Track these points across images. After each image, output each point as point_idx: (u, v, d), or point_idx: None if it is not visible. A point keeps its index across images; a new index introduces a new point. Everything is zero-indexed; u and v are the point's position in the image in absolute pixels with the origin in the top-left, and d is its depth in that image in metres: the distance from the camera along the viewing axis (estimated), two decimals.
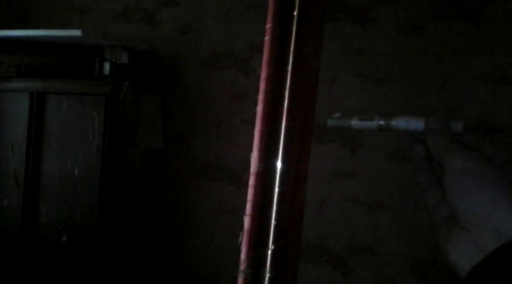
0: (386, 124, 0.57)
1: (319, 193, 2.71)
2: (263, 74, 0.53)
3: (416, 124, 0.56)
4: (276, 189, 0.50)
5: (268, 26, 0.52)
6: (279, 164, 0.50)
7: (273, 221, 0.48)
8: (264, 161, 0.50)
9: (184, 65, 3.04)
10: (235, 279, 0.47)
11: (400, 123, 0.57)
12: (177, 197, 3.02)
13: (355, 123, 0.59)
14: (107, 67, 2.56)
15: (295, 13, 0.51)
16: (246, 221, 0.49)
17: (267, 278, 0.46)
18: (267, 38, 0.53)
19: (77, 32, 2.53)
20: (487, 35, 2.49)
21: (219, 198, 2.94)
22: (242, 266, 0.47)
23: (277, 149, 0.50)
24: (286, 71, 0.51)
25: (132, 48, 2.73)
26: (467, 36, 2.51)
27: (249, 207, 0.50)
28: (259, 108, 0.52)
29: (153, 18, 3.12)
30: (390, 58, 2.63)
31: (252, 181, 0.50)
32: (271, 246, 0.47)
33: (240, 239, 0.49)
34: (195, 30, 3.03)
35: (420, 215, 2.55)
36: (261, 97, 0.52)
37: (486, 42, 2.49)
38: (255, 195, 0.50)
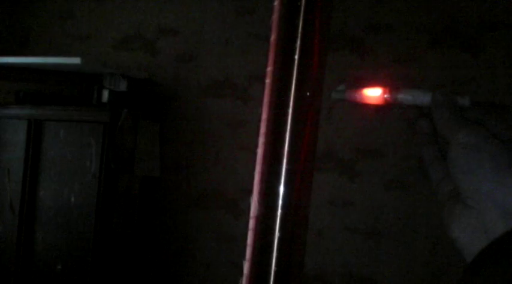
0: (393, 97, 0.57)
1: (317, 221, 2.69)
2: (263, 116, 0.53)
3: (423, 98, 0.55)
4: (277, 234, 0.49)
5: (269, 69, 0.53)
6: (279, 207, 0.49)
7: (273, 267, 0.47)
8: (264, 204, 0.50)
9: (183, 93, 3.05)
10: None
11: (406, 96, 0.56)
12: (174, 225, 3.00)
13: (360, 96, 0.58)
14: (105, 94, 2.57)
15: (296, 57, 0.51)
16: (246, 266, 0.48)
17: None
18: (267, 80, 0.53)
19: (76, 60, 2.54)
20: None
21: (216, 226, 2.92)
22: None
23: (278, 192, 0.50)
24: (287, 113, 0.51)
25: (131, 75, 2.74)
26: None
27: (248, 251, 0.50)
28: (260, 151, 0.52)
29: (153, 46, 3.14)
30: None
31: (251, 224, 0.50)
32: None
33: None
34: (194, 58, 3.04)
35: (419, 245, 2.53)
36: (261, 140, 0.52)
37: None
38: (255, 239, 0.50)
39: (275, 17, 0.52)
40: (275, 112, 0.51)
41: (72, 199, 2.54)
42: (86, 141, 2.54)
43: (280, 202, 0.48)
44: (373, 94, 0.59)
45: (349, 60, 2.72)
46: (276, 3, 0.51)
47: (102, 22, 3.25)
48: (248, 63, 2.89)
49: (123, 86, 2.66)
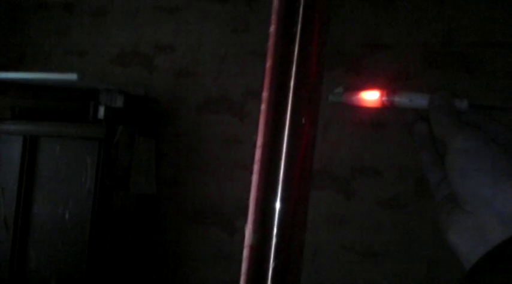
0: (390, 100, 0.56)
1: (313, 240, 2.68)
2: (258, 143, 0.52)
3: (421, 101, 0.55)
4: (271, 263, 0.48)
5: (264, 94, 0.52)
6: (274, 236, 0.48)
7: None
8: (258, 233, 0.49)
9: (180, 109, 3.05)
10: None
11: (403, 99, 0.55)
12: (169, 242, 2.98)
13: (357, 99, 0.57)
14: (101, 111, 2.56)
15: (291, 83, 0.51)
16: None
17: None
18: (263, 106, 0.52)
19: (72, 76, 2.53)
20: None
21: (212, 244, 2.90)
22: None
23: (273, 221, 0.49)
24: (282, 140, 0.51)
25: (127, 92, 2.74)
26: None
27: (242, 281, 0.49)
28: (254, 177, 0.51)
29: (150, 63, 3.14)
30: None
31: (245, 253, 0.49)
32: None
33: None
34: (191, 74, 3.05)
35: (415, 264, 2.52)
36: (256, 167, 0.51)
37: None
38: (249, 268, 0.49)
39: (270, 42, 0.51)
40: (270, 139, 0.50)
41: (67, 215, 2.52)
42: (81, 157, 2.53)
43: (275, 230, 0.47)
44: (371, 97, 0.58)
45: (345, 78, 2.73)
46: (271, 29, 0.51)
47: (99, 38, 3.26)
48: (244, 79, 2.89)
49: (119, 102, 2.65)
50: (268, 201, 0.49)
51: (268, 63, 0.52)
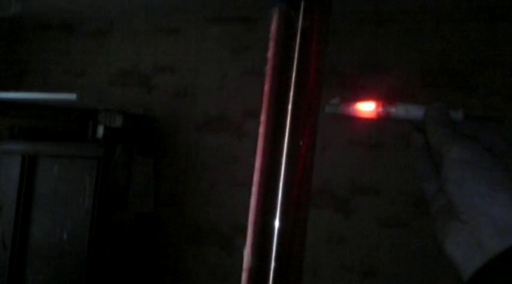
0: (386, 111, 0.56)
1: (312, 260, 2.66)
2: (257, 165, 0.52)
3: (416, 112, 0.55)
4: None
5: (263, 118, 0.53)
6: (273, 260, 0.48)
7: None
8: (257, 256, 0.49)
9: (178, 128, 3.05)
10: None
11: (399, 110, 0.56)
12: (168, 261, 2.96)
13: (353, 110, 0.58)
14: (100, 130, 2.57)
15: (289, 107, 0.51)
16: None
17: None
18: (261, 130, 0.52)
19: (71, 96, 2.55)
20: None
21: (210, 263, 2.88)
22: None
23: (272, 244, 0.49)
24: (280, 163, 0.51)
25: (126, 111, 2.75)
26: None
27: None
28: (253, 200, 0.51)
29: (149, 82, 3.16)
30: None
31: (244, 278, 0.49)
32: None
33: None
34: (190, 94, 3.06)
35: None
36: (254, 189, 0.52)
37: None
38: None
39: (268, 66, 0.52)
40: (268, 162, 0.51)
41: (65, 235, 2.51)
42: (80, 177, 2.52)
43: (273, 254, 0.47)
44: (367, 108, 0.58)
45: (340, 98, 2.73)
46: (269, 53, 0.52)
47: (99, 58, 3.28)
48: (243, 99, 2.90)
49: (118, 122, 2.66)
50: (266, 223, 0.49)
51: (266, 87, 0.52)
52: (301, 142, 0.51)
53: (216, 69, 3.02)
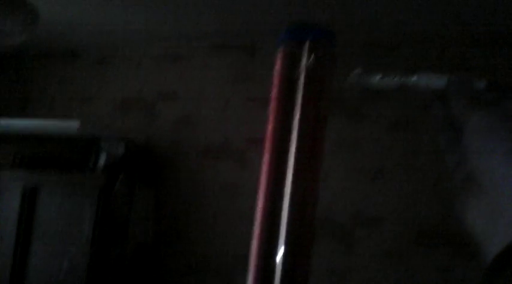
0: (408, 81, 0.55)
1: None
2: (259, 206, 0.51)
3: (438, 82, 0.54)
4: None
5: (266, 157, 0.51)
6: None
7: None
8: None
9: (181, 156, 3.04)
10: None
11: (421, 80, 0.54)
12: None
13: (375, 80, 0.56)
14: (102, 158, 2.56)
15: (293, 148, 0.50)
16: None
17: None
18: (264, 169, 0.51)
19: (74, 124, 2.54)
20: None
21: None
22: None
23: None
24: (281, 206, 0.50)
25: (129, 139, 2.74)
26: None
27: None
28: (254, 244, 0.50)
29: (152, 110, 3.16)
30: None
31: None
32: None
33: None
34: (193, 122, 3.06)
35: None
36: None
37: None
38: None
39: (272, 107, 0.51)
40: (271, 205, 0.49)
41: (64, 266, 2.48)
42: (81, 206, 2.50)
43: None
44: (389, 78, 0.57)
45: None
46: (273, 93, 0.51)
47: (103, 85, 3.29)
48: (246, 126, 2.89)
49: (120, 150, 2.65)
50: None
51: (269, 126, 0.51)
52: (305, 185, 0.50)
53: (219, 96, 3.02)
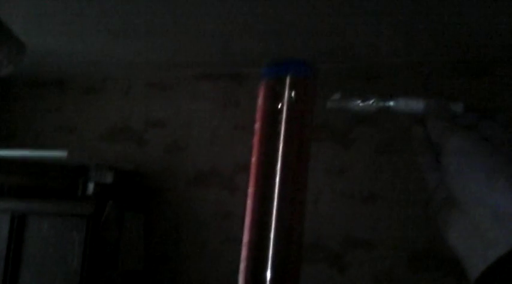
0: (386, 105, 0.56)
1: None
2: (245, 239, 0.52)
3: (416, 105, 0.55)
4: None
5: (251, 190, 0.52)
6: None
7: None
8: None
9: (170, 183, 3.04)
10: None
11: (399, 104, 0.55)
12: None
13: (354, 105, 0.57)
14: (90, 187, 2.55)
15: (276, 180, 0.51)
16: None
17: None
18: (248, 202, 0.52)
19: (62, 153, 2.54)
20: None
21: None
22: None
23: None
24: (269, 237, 0.50)
25: (117, 167, 2.74)
26: None
27: None
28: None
29: (140, 138, 3.17)
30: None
31: None
32: None
33: None
34: (181, 149, 3.07)
35: None
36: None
37: None
38: None
39: (255, 139, 0.52)
40: (257, 235, 0.50)
41: None
42: (69, 235, 2.48)
43: None
44: (367, 102, 0.58)
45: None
46: (256, 126, 0.52)
47: (91, 114, 3.30)
48: (234, 153, 2.91)
49: (109, 178, 2.65)
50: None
51: (254, 159, 0.53)
52: (290, 213, 0.51)
53: (207, 124, 3.04)
